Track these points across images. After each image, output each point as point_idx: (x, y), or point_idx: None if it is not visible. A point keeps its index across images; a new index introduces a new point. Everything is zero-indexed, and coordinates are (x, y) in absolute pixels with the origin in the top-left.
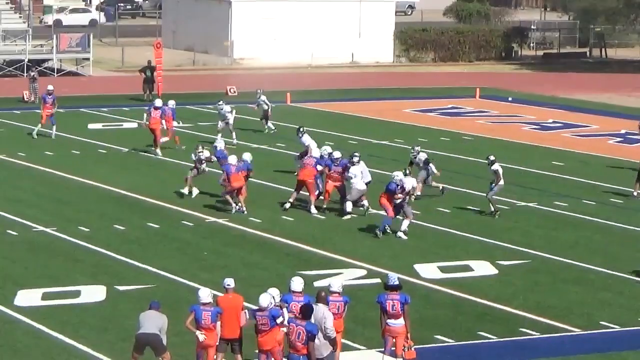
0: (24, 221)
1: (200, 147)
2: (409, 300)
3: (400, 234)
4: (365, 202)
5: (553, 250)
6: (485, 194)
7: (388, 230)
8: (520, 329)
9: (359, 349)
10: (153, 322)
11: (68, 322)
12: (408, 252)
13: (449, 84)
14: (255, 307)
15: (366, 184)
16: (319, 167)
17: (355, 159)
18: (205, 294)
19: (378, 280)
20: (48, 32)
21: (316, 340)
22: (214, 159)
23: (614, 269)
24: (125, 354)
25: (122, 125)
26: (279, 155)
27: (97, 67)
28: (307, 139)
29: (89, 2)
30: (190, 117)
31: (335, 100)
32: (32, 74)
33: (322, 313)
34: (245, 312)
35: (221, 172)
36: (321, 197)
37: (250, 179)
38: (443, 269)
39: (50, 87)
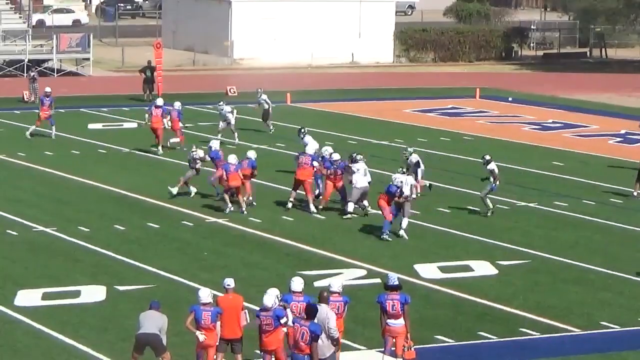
0: (24, 221)
1: (194, 147)
2: (409, 300)
3: (402, 232)
4: (365, 202)
5: (553, 250)
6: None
7: (386, 237)
8: (521, 329)
9: (359, 349)
10: (153, 322)
11: (68, 322)
12: (408, 252)
13: (449, 84)
14: (256, 307)
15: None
16: (315, 164)
17: (359, 157)
18: (205, 294)
19: (378, 280)
20: (48, 32)
21: (319, 341)
22: (208, 158)
23: (614, 269)
24: (125, 354)
25: (122, 125)
26: (278, 155)
27: (97, 67)
28: (309, 140)
29: (89, 2)
30: (190, 117)
31: (335, 100)
32: (32, 74)
33: (326, 313)
34: (245, 312)
35: (214, 171)
36: (320, 197)
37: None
38: (443, 269)
39: (47, 90)
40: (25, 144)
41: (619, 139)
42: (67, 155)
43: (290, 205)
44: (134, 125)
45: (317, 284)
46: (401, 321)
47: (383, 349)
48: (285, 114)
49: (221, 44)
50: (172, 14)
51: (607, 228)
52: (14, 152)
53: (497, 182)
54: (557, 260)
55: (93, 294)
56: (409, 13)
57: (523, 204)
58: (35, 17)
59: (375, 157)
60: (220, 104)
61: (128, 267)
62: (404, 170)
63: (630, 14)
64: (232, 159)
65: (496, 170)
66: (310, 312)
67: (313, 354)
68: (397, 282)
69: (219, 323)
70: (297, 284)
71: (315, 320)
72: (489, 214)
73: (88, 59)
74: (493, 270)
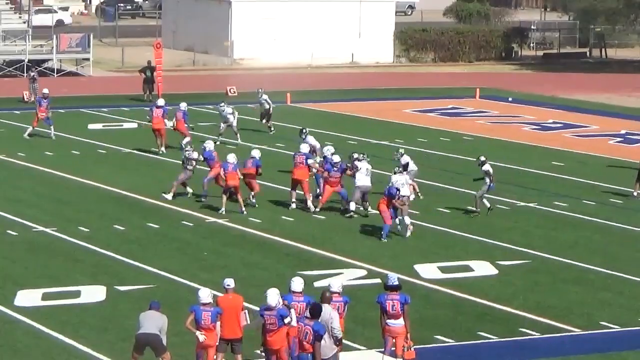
0: (24, 221)
1: (188, 147)
2: (408, 301)
3: (408, 230)
4: (366, 204)
5: (553, 250)
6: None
7: (385, 240)
8: (520, 329)
9: (359, 349)
10: (153, 322)
11: (68, 322)
12: (408, 252)
13: (449, 84)
14: (256, 307)
15: None
16: (310, 162)
17: (361, 156)
18: (205, 294)
19: (378, 280)
20: (48, 32)
21: (322, 341)
22: (202, 158)
23: (614, 269)
24: (125, 354)
25: (122, 125)
26: (278, 155)
27: (97, 68)
28: (311, 140)
29: (89, 2)
30: (190, 117)
31: (335, 100)
32: (32, 74)
33: (329, 314)
34: (245, 313)
35: (208, 169)
36: (319, 197)
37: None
38: (443, 269)
39: (45, 91)
40: (25, 144)
41: (618, 139)
42: (67, 156)
43: (294, 205)
44: (134, 125)
45: (317, 284)
46: (401, 321)
47: (383, 349)
48: (285, 114)
49: (221, 44)
50: (172, 14)
51: (607, 228)
52: (14, 152)
53: (493, 184)
54: (557, 260)
55: (93, 294)
56: (409, 13)
57: (523, 204)
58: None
59: (375, 157)
60: (221, 105)
61: (128, 267)
62: (401, 169)
63: (630, 14)
64: (231, 157)
65: (491, 171)
66: (315, 311)
67: (315, 354)
68: (397, 282)
69: (218, 323)
70: (297, 284)
71: (319, 320)
72: (487, 213)
73: (88, 59)
74: (493, 270)
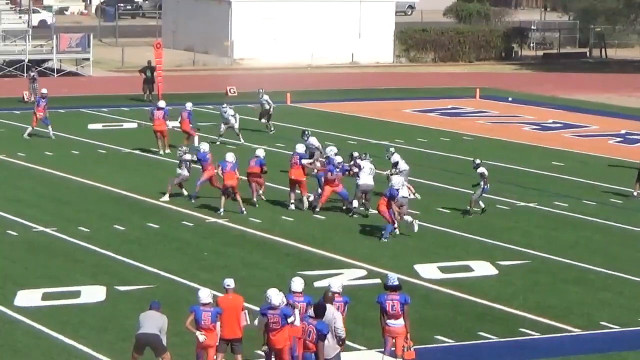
0: (24, 221)
1: (183, 148)
2: (408, 301)
3: (414, 222)
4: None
5: (553, 250)
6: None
7: (386, 240)
8: (520, 329)
9: (359, 349)
10: (153, 322)
11: (68, 322)
12: (408, 252)
13: (449, 84)
14: (256, 308)
15: None
16: (304, 161)
17: (364, 155)
18: (205, 295)
19: (378, 280)
20: (48, 32)
21: (325, 341)
22: (195, 158)
23: (614, 269)
24: (125, 354)
25: (122, 125)
26: (278, 155)
27: (97, 68)
28: (313, 141)
29: (89, 2)
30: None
31: (335, 100)
32: (32, 74)
33: (332, 314)
34: (245, 313)
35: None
36: (317, 196)
37: (241, 177)
38: (443, 269)
39: (44, 91)
40: (25, 144)
41: (619, 139)
42: (67, 156)
43: (292, 207)
44: (134, 125)
45: (317, 284)
46: (401, 321)
47: (383, 349)
48: (285, 114)
49: (221, 44)
50: (172, 14)
51: (607, 228)
52: (14, 152)
53: (488, 185)
54: (557, 260)
55: (93, 294)
56: (409, 13)
57: (523, 204)
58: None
59: (375, 157)
60: (224, 106)
61: (128, 267)
62: (395, 171)
63: (630, 14)
64: (230, 157)
65: (486, 173)
66: (319, 311)
67: (319, 353)
68: (397, 283)
69: (218, 323)
70: (297, 284)
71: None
72: (481, 213)
73: (88, 59)
74: (493, 271)
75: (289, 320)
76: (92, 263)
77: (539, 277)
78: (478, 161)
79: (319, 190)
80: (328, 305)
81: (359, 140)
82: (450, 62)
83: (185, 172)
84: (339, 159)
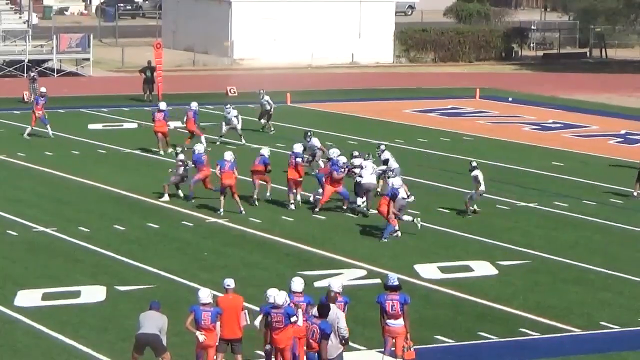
0: (24, 221)
1: (178, 148)
2: (408, 301)
3: (416, 220)
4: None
5: (553, 250)
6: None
7: (386, 240)
8: (520, 329)
9: (359, 349)
10: (153, 322)
11: (68, 322)
12: (408, 252)
13: (449, 84)
14: (256, 308)
15: None
16: (299, 160)
17: (367, 155)
18: (205, 295)
19: (378, 280)
20: (48, 32)
21: (328, 341)
22: (186, 159)
23: (614, 269)
24: (125, 354)
25: (122, 125)
26: (278, 155)
27: (97, 68)
28: (316, 142)
29: (89, 2)
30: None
31: (335, 100)
32: (32, 74)
33: (335, 313)
34: (245, 313)
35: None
36: (317, 197)
37: (241, 177)
38: (443, 269)
39: (43, 90)
40: (25, 144)
41: (619, 139)
42: (67, 156)
43: (292, 207)
44: (134, 125)
45: (317, 284)
46: (401, 321)
47: (383, 349)
48: (286, 114)
49: (221, 44)
50: (172, 14)
51: (607, 228)
52: (14, 152)
53: (478, 192)
54: (557, 260)
55: (93, 294)
56: (409, 13)
57: (523, 204)
58: None
59: (375, 158)
60: (227, 107)
61: (128, 267)
62: (390, 170)
63: (630, 14)
64: (228, 155)
65: (480, 177)
66: (323, 310)
67: (322, 352)
68: (396, 283)
69: (218, 323)
70: (297, 284)
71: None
72: (468, 214)
73: (88, 59)
74: (493, 271)
75: (292, 320)
76: (92, 263)
77: (539, 277)
78: (474, 164)
79: (319, 190)
80: (332, 305)
81: (359, 140)
82: (450, 62)
83: (180, 171)
84: (343, 159)
